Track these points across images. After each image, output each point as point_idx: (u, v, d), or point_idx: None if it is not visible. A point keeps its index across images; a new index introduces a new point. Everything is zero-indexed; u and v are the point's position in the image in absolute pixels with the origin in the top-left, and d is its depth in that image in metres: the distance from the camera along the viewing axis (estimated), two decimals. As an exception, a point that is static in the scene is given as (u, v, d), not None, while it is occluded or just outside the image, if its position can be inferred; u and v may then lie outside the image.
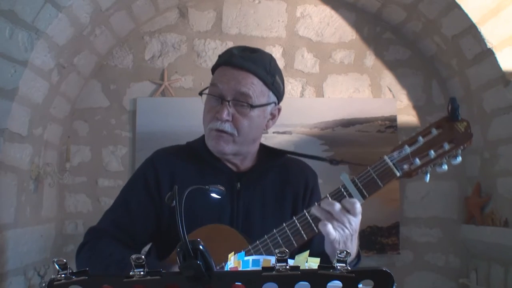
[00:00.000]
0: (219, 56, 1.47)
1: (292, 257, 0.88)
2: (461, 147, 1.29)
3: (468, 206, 3.16)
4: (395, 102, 3.31)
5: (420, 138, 1.29)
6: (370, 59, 3.36)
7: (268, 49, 3.31)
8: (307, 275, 0.75)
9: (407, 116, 3.33)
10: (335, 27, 3.36)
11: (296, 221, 1.28)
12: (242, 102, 1.37)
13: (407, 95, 3.35)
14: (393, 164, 1.28)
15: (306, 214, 1.28)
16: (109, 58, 3.25)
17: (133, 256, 0.77)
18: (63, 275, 0.77)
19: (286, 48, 3.33)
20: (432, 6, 2.90)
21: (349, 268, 0.74)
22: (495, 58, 2.67)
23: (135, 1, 2.96)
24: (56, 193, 3.08)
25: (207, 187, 1.23)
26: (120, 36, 3.19)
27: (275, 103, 1.47)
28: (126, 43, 3.26)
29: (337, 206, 1.24)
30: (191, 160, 1.46)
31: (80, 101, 3.21)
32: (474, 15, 2.67)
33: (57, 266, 0.77)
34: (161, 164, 1.45)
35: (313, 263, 0.90)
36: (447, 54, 3.12)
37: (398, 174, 1.28)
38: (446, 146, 1.28)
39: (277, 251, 0.75)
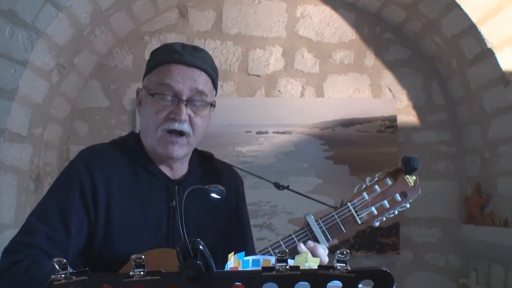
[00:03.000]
0: (155, 53, 1.39)
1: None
2: (410, 200, 1.43)
3: (468, 206, 3.15)
4: (395, 102, 3.31)
5: (377, 187, 1.40)
6: (370, 59, 3.36)
7: (268, 49, 3.32)
8: (307, 275, 0.75)
9: (407, 116, 3.33)
10: (335, 27, 3.36)
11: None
12: (199, 101, 1.32)
13: (407, 95, 3.35)
14: (355, 211, 1.37)
15: (271, 252, 1.29)
16: (109, 58, 3.25)
17: (133, 256, 0.77)
18: (63, 275, 0.77)
19: (286, 48, 3.33)
20: (432, 6, 2.90)
21: (349, 268, 0.74)
22: (495, 58, 2.67)
23: (135, 1, 2.96)
24: (56, 193, 3.08)
25: (207, 187, 1.22)
26: (120, 36, 3.19)
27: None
28: (126, 43, 3.26)
29: (321, 251, 1.29)
30: (124, 163, 1.35)
31: (80, 101, 3.21)
32: (474, 15, 2.67)
33: (57, 266, 0.77)
34: (95, 170, 1.30)
35: (313, 263, 0.90)
36: (447, 54, 3.12)
37: (359, 222, 1.38)
38: (398, 198, 1.41)
39: (276, 251, 0.75)
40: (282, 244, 1.30)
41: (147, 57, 3.20)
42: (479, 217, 3.04)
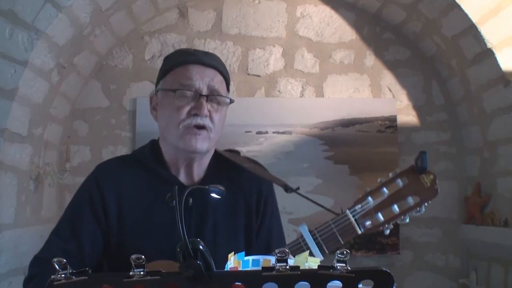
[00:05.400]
0: (170, 58, 1.43)
1: None
2: (425, 203, 1.23)
3: (468, 206, 3.15)
4: (395, 102, 3.31)
5: (385, 190, 1.24)
6: (370, 59, 3.36)
7: (268, 49, 3.32)
8: (307, 275, 0.75)
9: (407, 116, 3.33)
10: (335, 27, 3.36)
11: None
12: (217, 97, 1.35)
13: (407, 95, 3.35)
14: (355, 220, 1.24)
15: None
16: (109, 58, 3.25)
17: (133, 256, 0.77)
18: (63, 275, 0.77)
19: (286, 48, 3.33)
20: (432, 6, 2.90)
21: (349, 268, 0.74)
22: (495, 58, 2.67)
23: (135, 1, 2.96)
24: (56, 193, 3.08)
25: (207, 187, 1.22)
26: (120, 36, 3.19)
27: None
28: (126, 43, 3.26)
29: None
30: (138, 173, 1.40)
31: (80, 101, 3.21)
32: (474, 15, 2.67)
33: (57, 266, 0.77)
34: (106, 183, 1.38)
35: (313, 263, 0.90)
36: (447, 54, 3.12)
37: (359, 232, 1.24)
38: (411, 201, 1.23)
39: (277, 251, 0.75)
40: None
41: (147, 57, 3.26)
42: (479, 217, 3.04)
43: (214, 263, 1.23)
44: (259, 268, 0.86)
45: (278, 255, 0.75)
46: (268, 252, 1.31)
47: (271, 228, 1.46)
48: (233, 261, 0.93)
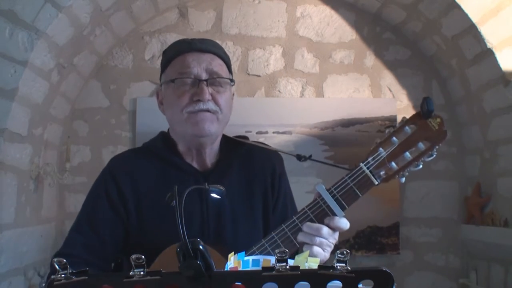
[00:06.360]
0: (167, 50, 1.43)
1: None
2: (437, 146, 1.23)
3: (468, 206, 3.16)
4: (395, 102, 3.31)
5: (394, 139, 1.23)
6: (370, 59, 3.36)
7: (268, 49, 3.32)
8: (307, 275, 0.75)
9: (407, 116, 3.32)
10: (335, 27, 3.36)
11: (275, 236, 1.23)
12: (218, 78, 1.36)
13: (407, 95, 3.35)
14: (370, 171, 1.23)
15: (286, 229, 1.24)
16: (109, 58, 3.25)
17: (133, 256, 0.77)
18: (63, 275, 0.77)
19: (286, 48, 3.33)
20: (432, 6, 2.90)
21: (349, 268, 0.74)
22: (495, 58, 2.67)
23: (135, 1, 2.96)
24: (56, 193, 3.08)
25: (207, 187, 1.23)
26: (120, 36, 3.19)
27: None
28: (126, 43, 3.26)
29: (325, 230, 1.22)
30: (151, 163, 1.40)
31: (80, 101, 3.21)
32: (474, 15, 2.67)
33: (57, 266, 0.77)
34: (120, 174, 1.38)
35: (313, 263, 0.90)
36: (447, 54, 3.12)
37: (376, 182, 1.23)
38: (422, 146, 1.22)
39: (277, 251, 0.75)
40: (296, 220, 1.24)
41: (147, 57, 3.27)
42: (479, 217, 3.04)
43: (236, 244, 1.25)
44: (259, 268, 0.86)
45: (278, 255, 0.75)
46: None
47: (286, 208, 1.49)
48: (233, 261, 0.93)
